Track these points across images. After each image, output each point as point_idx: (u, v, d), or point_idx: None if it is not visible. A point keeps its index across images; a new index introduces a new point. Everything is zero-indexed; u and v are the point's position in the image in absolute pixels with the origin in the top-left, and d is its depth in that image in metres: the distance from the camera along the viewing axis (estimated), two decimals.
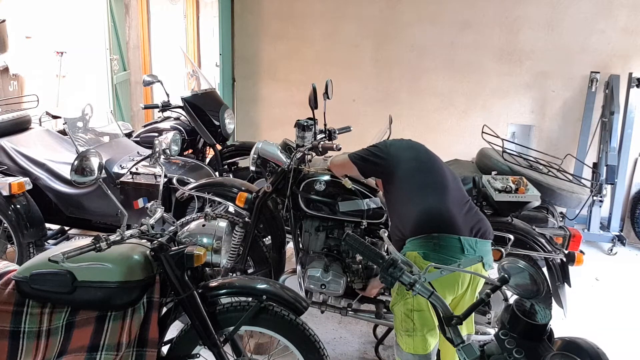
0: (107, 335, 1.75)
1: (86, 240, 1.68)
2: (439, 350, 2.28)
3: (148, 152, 3.50)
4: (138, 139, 4.23)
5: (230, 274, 2.80)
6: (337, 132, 3.15)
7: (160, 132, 4.16)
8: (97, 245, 1.63)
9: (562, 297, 2.74)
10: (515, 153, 3.87)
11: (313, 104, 2.83)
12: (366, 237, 2.73)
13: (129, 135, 4.23)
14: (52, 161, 3.60)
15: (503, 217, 2.79)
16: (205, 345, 1.88)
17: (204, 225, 2.10)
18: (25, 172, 3.47)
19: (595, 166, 4.63)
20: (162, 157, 2.50)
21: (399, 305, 2.08)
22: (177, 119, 4.49)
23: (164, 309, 1.91)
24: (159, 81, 4.29)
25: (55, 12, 6.15)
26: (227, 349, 1.93)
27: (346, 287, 2.67)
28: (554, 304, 2.79)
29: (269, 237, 2.97)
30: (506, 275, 1.38)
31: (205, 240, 2.04)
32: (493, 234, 2.19)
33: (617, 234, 4.58)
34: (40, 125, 4.12)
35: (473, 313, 2.25)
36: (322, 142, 2.81)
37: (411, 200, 2.17)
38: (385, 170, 2.34)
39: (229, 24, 5.61)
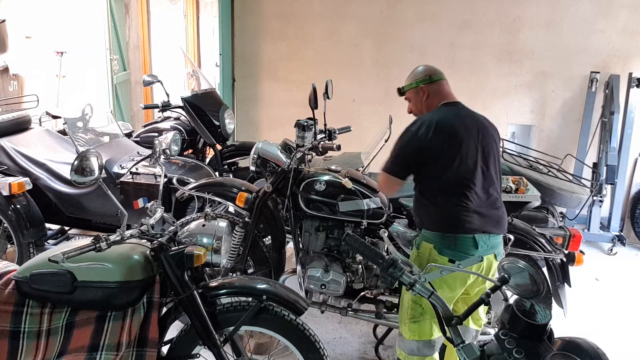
0: (107, 335, 1.75)
1: (86, 240, 1.68)
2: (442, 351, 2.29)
3: (148, 152, 3.50)
4: (138, 139, 4.23)
5: (230, 274, 2.80)
6: (337, 132, 3.15)
7: (160, 132, 4.16)
8: (97, 245, 1.63)
9: (562, 297, 2.74)
10: (515, 153, 3.87)
11: (313, 104, 2.83)
12: (366, 237, 2.73)
13: (129, 135, 4.23)
14: (52, 161, 3.60)
15: None
16: (205, 345, 1.87)
17: (204, 225, 2.10)
18: (25, 172, 3.47)
19: (595, 166, 4.63)
20: (162, 157, 2.50)
21: (408, 293, 2.09)
22: (177, 119, 4.49)
23: (164, 309, 1.91)
24: (159, 81, 4.29)
25: (55, 12, 6.14)
26: (227, 349, 1.93)
27: (346, 287, 2.67)
28: (554, 304, 2.79)
29: (269, 237, 2.97)
30: (506, 275, 1.38)
31: (205, 240, 2.05)
32: (506, 225, 2.20)
33: (617, 234, 4.58)
34: (40, 125, 4.12)
35: (481, 309, 2.27)
36: (322, 142, 2.81)
37: (432, 196, 2.12)
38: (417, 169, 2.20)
39: (229, 24, 5.61)
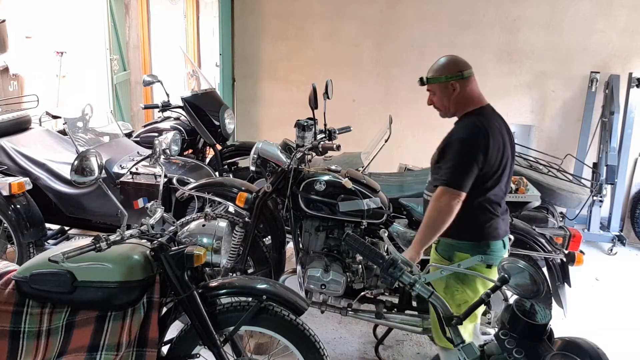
0: (107, 335, 1.75)
1: (86, 240, 1.68)
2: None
3: (148, 152, 3.50)
4: (138, 139, 4.23)
5: (230, 274, 2.80)
6: (337, 132, 3.15)
7: (160, 132, 4.16)
8: (97, 245, 1.63)
9: (562, 297, 2.74)
10: (515, 153, 3.86)
11: (313, 104, 2.83)
12: (366, 237, 2.73)
13: (129, 135, 4.23)
14: (52, 161, 3.60)
15: None
16: (205, 345, 1.88)
17: (204, 225, 2.11)
18: (25, 172, 3.47)
19: (595, 166, 4.63)
20: (162, 157, 2.50)
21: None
22: (177, 119, 4.50)
23: (164, 309, 1.91)
24: (159, 81, 4.29)
25: (55, 12, 6.14)
26: (227, 349, 1.93)
27: (346, 287, 2.67)
28: (554, 304, 2.79)
29: (269, 237, 2.98)
30: (506, 275, 1.38)
31: (205, 240, 2.05)
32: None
33: (617, 234, 4.58)
34: (40, 125, 4.12)
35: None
36: (322, 142, 2.82)
37: (472, 208, 2.02)
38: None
39: (229, 24, 5.61)
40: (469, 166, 1.95)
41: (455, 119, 2.17)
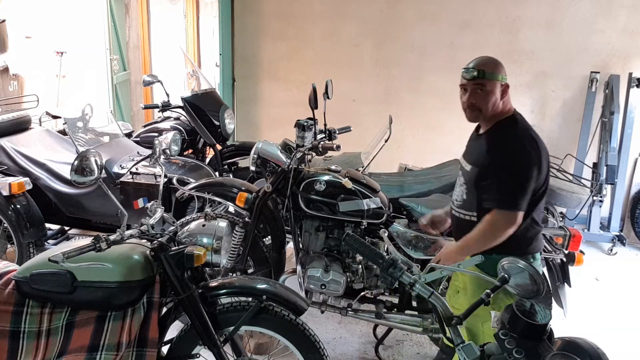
0: (107, 335, 1.75)
1: (86, 240, 1.68)
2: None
3: (148, 152, 3.50)
4: (138, 139, 4.23)
5: (230, 274, 2.80)
6: (337, 132, 3.15)
7: (160, 132, 4.16)
8: (97, 245, 1.63)
9: (562, 297, 2.74)
10: None
11: (313, 104, 2.83)
12: (366, 237, 2.73)
13: (129, 135, 4.23)
14: (52, 161, 3.60)
15: None
16: (205, 345, 1.88)
17: (204, 225, 2.11)
18: (25, 172, 3.47)
19: (595, 166, 4.63)
20: (162, 157, 2.50)
21: (489, 323, 2.02)
22: (177, 119, 4.49)
23: (164, 309, 1.91)
24: (159, 81, 4.29)
25: (55, 12, 6.15)
26: (227, 349, 1.93)
27: (346, 287, 2.67)
28: (554, 304, 2.79)
29: (269, 237, 2.98)
30: (506, 275, 1.38)
31: (205, 240, 2.05)
32: None
33: (617, 234, 4.58)
34: (40, 125, 4.12)
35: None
36: (322, 142, 2.82)
37: (524, 223, 1.94)
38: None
39: (229, 24, 5.61)
40: (525, 183, 1.84)
41: (471, 125, 2.09)
